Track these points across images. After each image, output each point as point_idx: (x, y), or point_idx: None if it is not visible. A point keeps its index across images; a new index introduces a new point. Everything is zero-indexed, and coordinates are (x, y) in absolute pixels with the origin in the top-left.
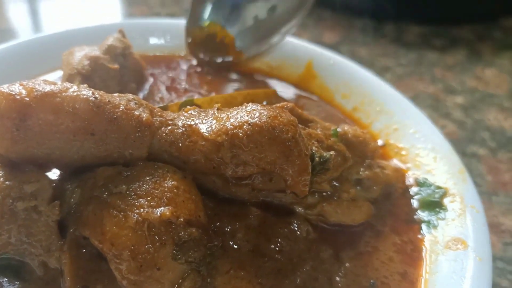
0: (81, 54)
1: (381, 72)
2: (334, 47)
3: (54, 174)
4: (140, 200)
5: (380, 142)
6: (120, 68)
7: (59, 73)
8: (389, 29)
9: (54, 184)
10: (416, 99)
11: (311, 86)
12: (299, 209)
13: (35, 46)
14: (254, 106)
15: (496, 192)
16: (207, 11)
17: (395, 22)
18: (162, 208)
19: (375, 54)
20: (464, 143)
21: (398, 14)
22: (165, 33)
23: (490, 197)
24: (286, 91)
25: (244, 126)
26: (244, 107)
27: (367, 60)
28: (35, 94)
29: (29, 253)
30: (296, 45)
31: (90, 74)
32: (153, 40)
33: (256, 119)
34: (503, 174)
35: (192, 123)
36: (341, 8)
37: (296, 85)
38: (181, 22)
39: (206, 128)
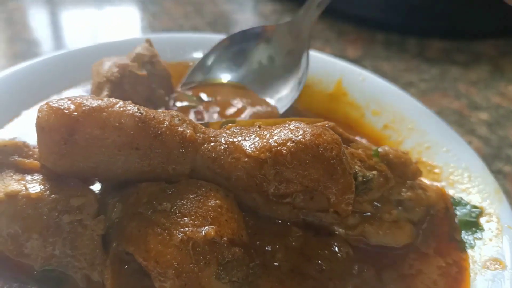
0: (110, 63)
1: (405, 87)
2: (357, 61)
3: (96, 187)
4: (185, 218)
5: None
6: (148, 75)
7: (87, 87)
8: (411, 43)
9: (99, 198)
10: (440, 114)
11: (342, 103)
12: (340, 230)
13: (65, 60)
14: (297, 124)
15: None
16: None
17: (418, 37)
18: (207, 227)
19: (398, 69)
20: (489, 160)
21: (420, 29)
22: (197, 47)
23: None
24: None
25: (288, 144)
26: (287, 124)
27: (391, 75)
28: (83, 109)
29: (72, 266)
30: (325, 61)
31: (120, 81)
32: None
33: (300, 136)
34: None
35: (235, 140)
36: (363, 22)
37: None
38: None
39: (249, 145)
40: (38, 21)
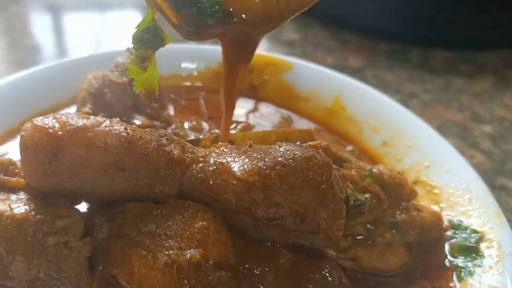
0: (90, 77)
1: (407, 98)
2: (359, 71)
3: (82, 207)
4: (170, 241)
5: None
6: (129, 81)
7: None
8: (414, 53)
9: (85, 219)
10: (443, 127)
11: (339, 117)
12: (331, 253)
13: (48, 75)
14: (287, 146)
15: None
16: None
17: (421, 47)
18: (192, 250)
19: (400, 79)
20: (492, 175)
21: (424, 38)
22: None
23: None
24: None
25: (277, 167)
26: (277, 146)
27: (393, 86)
28: (68, 128)
29: None
30: (324, 75)
31: (100, 92)
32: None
33: (290, 160)
34: None
35: (224, 161)
36: (366, 31)
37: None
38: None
39: (238, 167)
40: (38, 27)
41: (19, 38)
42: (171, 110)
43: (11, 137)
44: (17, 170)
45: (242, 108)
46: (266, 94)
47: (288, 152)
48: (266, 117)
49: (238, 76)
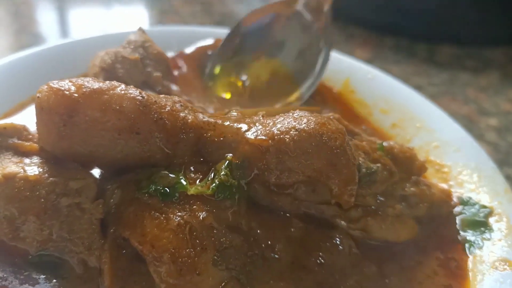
0: (102, 53)
1: None
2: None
3: (95, 173)
4: (182, 203)
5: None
6: (142, 58)
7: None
8: (421, 48)
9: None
10: None
11: (349, 101)
12: (342, 223)
13: (63, 51)
14: (301, 112)
15: None
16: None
17: (427, 42)
18: (205, 212)
19: (407, 73)
20: (498, 166)
21: (430, 34)
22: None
23: None
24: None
25: (291, 132)
26: (291, 113)
27: (399, 79)
28: (84, 90)
29: (69, 250)
30: (334, 59)
31: (112, 67)
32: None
33: (304, 125)
34: None
35: (238, 125)
36: (373, 26)
37: (335, 100)
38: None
39: (252, 133)
40: (45, 15)
41: (26, 25)
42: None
43: (22, 109)
44: (30, 136)
45: None
46: None
47: (302, 118)
48: None
49: None
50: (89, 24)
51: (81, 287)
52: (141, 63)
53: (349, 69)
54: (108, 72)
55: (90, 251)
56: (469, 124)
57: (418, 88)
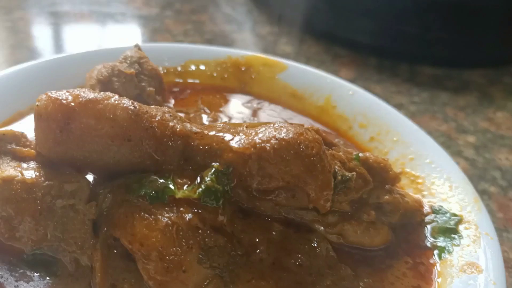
0: (99, 67)
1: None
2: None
3: (89, 178)
4: (170, 205)
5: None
6: (137, 74)
7: None
8: (403, 69)
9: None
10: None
11: (330, 115)
12: (320, 228)
13: (61, 64)
14: (281, 123)
15: (507, 229)
16: None
17: (409, 63)
18: (191, 214)
19: (389, 92)
20: (475, 180)
21: (412, 55)
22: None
23: (501, 233)
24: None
25: (272, 141)
26: (272, 124)
27: (382, 97)
28: (80, 100)
29: (62, 249)
30: (317, 76)
31: (108, 80)
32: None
33: (284, 134)
34: None
35: (223, 135)
36: (358, 47)
37: (315, 116)
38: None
39: (236, 142)
40: (41, 31)
41: (23, 40)
42: (172, 103)
43: (20, 118)
44: (28, 143)
45: (236, 105)
46: (260, 91)
47: (281, 128)
48: (259, 114)
49: None
50: (83, 41)
51: (73, 284)
52: (136, 78)
53: (331, 86)
54: (104, 84)
55: (83, 250)
56: (448, 141)
57: (400, 106)
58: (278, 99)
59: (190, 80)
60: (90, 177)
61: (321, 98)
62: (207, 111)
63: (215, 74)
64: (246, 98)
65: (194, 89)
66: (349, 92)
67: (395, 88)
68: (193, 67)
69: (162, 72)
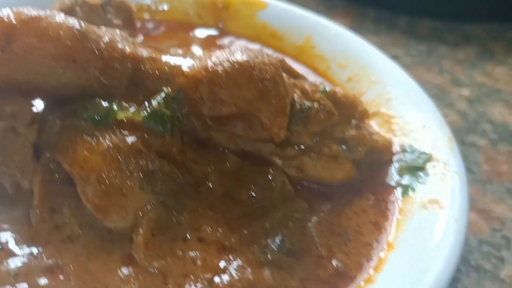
0: None
1: None
2: None
3: (39, 105)
4: (115, 128)
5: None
6: (103, 4)
7: None
8: (401, 21)
9: (37, 113)
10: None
11: (309, 55)
12: (278, 161)
13: None
14: (238, 47)
15: (491, 181)
16: None
17: (409, 15)
18: (134, 137)
19: (385, 44)
20: (464, 133)
21: (412, 7)
22: None
23: (484, 185)
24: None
25: (225, 64)
26: (228, 48)
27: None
28: (22, 17)
29: (3, 172)
30: (297, 15)
31: (71, 10)
32: None
33: (238, 57)
34: (500, 164)
35: (175, 59)
36: None
37: (294, 56)
38: None
39: (188, 66)
40: None
41: None
42: (140, 38)
43: None
44: None
45: (211, 44)
46: (238, 29)
47: (236, 51)
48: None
49: None
50: None
51: (11, 207)
52: (102, 9)
53: (312, 26)
54: (66, 14)
55: (23, 174)
56: (441, 93)
57: (395, 58)
58: (257, 38)
59: (165, 18)
60: (41, 104)
61: (301, 38)
62: (180, 49)
63: (191, 13)
64: (223, 36)
65: (169, 27)
66: (330, 32)
67: (392, 40)
68: (168, 5)
69: (135, 8)
